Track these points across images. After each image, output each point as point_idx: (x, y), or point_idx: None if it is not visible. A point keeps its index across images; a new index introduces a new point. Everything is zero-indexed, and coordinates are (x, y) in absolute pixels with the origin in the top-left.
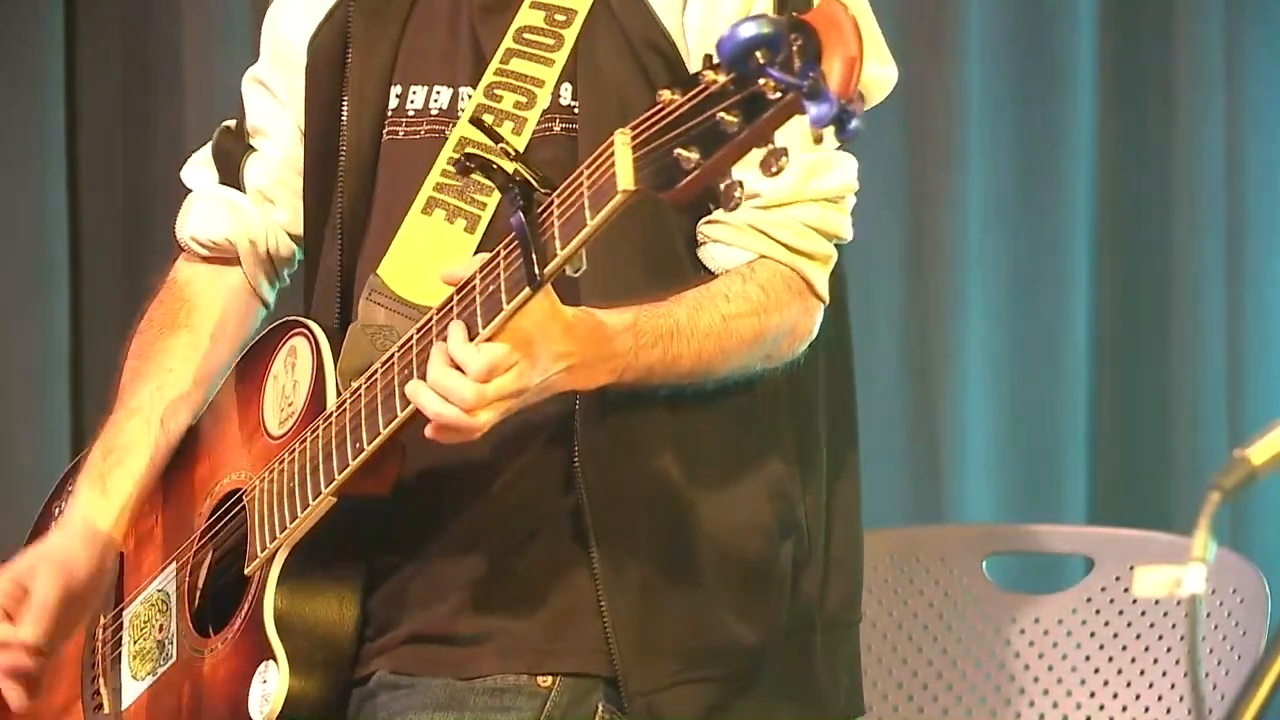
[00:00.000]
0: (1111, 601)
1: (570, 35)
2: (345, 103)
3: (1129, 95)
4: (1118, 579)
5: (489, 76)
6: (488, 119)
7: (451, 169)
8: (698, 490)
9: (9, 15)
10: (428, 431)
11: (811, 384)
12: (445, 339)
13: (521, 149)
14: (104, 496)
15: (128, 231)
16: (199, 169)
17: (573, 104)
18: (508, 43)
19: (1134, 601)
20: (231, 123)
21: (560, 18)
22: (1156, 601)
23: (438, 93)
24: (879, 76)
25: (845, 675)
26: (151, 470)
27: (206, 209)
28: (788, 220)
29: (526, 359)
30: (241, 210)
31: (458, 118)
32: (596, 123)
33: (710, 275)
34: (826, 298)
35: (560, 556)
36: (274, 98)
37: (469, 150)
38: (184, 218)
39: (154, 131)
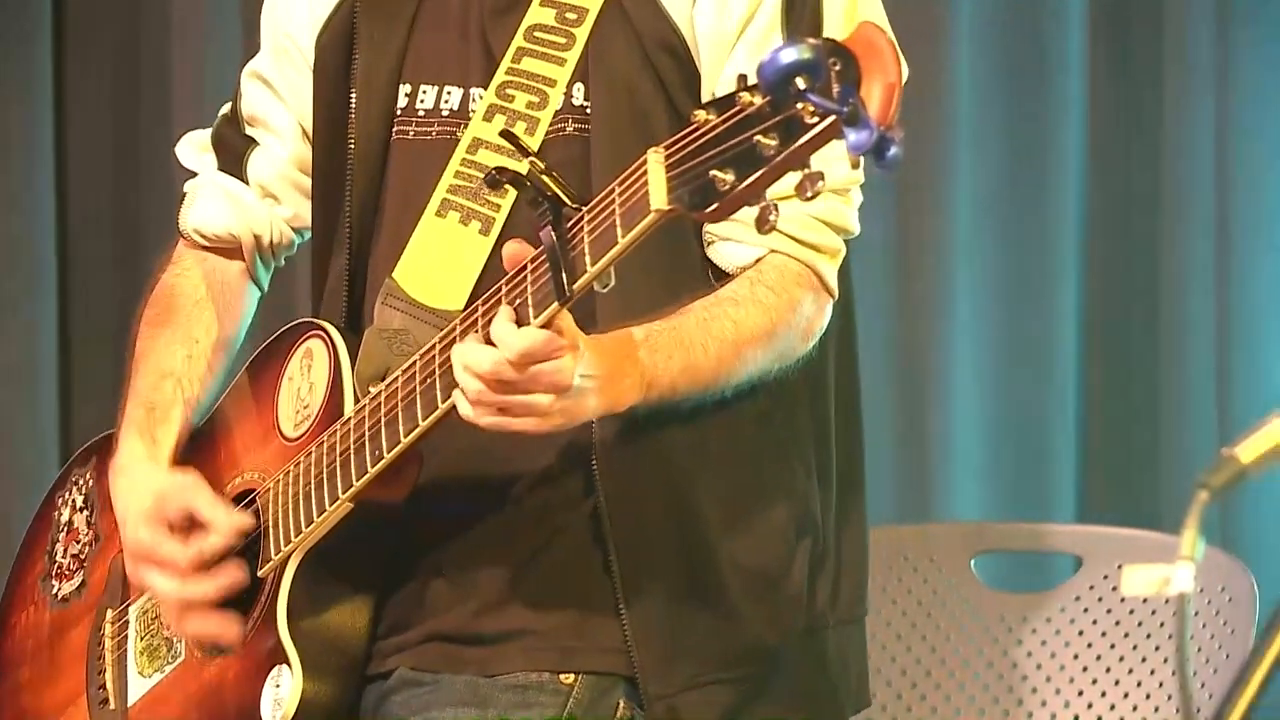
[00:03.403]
0: (1100, 600)
1: (582, 34)
2: (353, 101)
3: (1118, 93)
4: (1106, 578)
5: (500, 76)
6: (500, 119)
7: (465, 170)
8: (715, 492)
9: None
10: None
11: (825, 382)
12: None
13: (535, 149)
14: (155, 445)
15: (116, 229)
16: (199, 153)
17: (585, 104)
18: (519, 41)
19: (1122, 600)
20: (228, 108)
21: (571, 16)
22: (1145, 600)
23: (449, 93)
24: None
25: (854, 668)
26: (184, 435)
27: (211, 201)
28: (796, 214)
29: (579, 350)
30: (245, 203)
31: (469, 118)
32: (610, 123)
33: (724, 275)
34: (837, 292)
35: (579, 559)
36: (275, 94)
37: (499, 165)
38: (188, 208)
39: (142, 129)
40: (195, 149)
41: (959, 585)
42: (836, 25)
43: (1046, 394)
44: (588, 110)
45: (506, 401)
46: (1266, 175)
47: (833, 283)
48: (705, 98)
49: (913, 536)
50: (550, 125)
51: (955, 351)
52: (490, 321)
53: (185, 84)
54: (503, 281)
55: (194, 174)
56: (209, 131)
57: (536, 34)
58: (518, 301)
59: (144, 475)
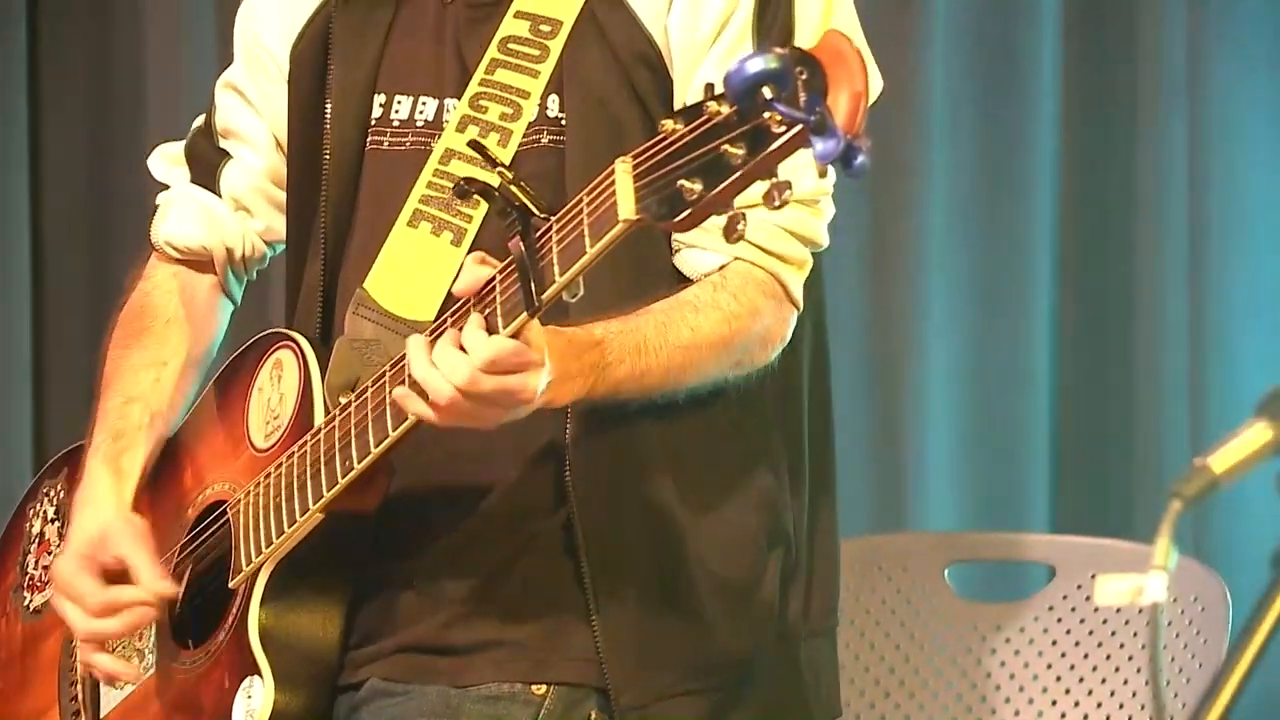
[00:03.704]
0: (1073, 610)
1: (555, 46)
2: (328, 111)
3: (1092, 101)
4: (1079, 587)
5: (474, 87)
6: (473, 130)
7: (438, 181)
8: (688, 502)
9: None
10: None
11: (799, 392)
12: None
13: (508, 161)
14: (120, 476)
15: (91, 238)
16: (170, 165)
17: (560, 116)
18: (492, 53)
19: (1096, 610)
20: (201, 120)
21: (545, 28)
22: (1118, 610)
23: (423, 104)
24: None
25: (826, 678)
26: (151, 458)
27: (183, 214)
28: (763, 223)
29: (543, 366)
30: (217, 217)
31: (443, 129)
32: (584, 135)
33: (690, 283)
34: (801, 303)
35: (552, 569)
36: (249, 105)
37: (468, 176)
38: (160, 220)
39: (117, 137)
40: (168, 161)
41: (933, 595)
42: (808, 34)
43: (1020, 404)
44: (562, 122)
45: (470, 409)
46: (1240, 179)
47: (797, 293)
48: (677, 105)
49: (886, 546)
50: (524, 136)
51: (929, 361)
52: (460, 330)
53: (160, 91)
54: (471, 292)
55: (167, 186)
56: (182, 144)
57: (510, 45)
58: (487, 311)
59: (102, 511)
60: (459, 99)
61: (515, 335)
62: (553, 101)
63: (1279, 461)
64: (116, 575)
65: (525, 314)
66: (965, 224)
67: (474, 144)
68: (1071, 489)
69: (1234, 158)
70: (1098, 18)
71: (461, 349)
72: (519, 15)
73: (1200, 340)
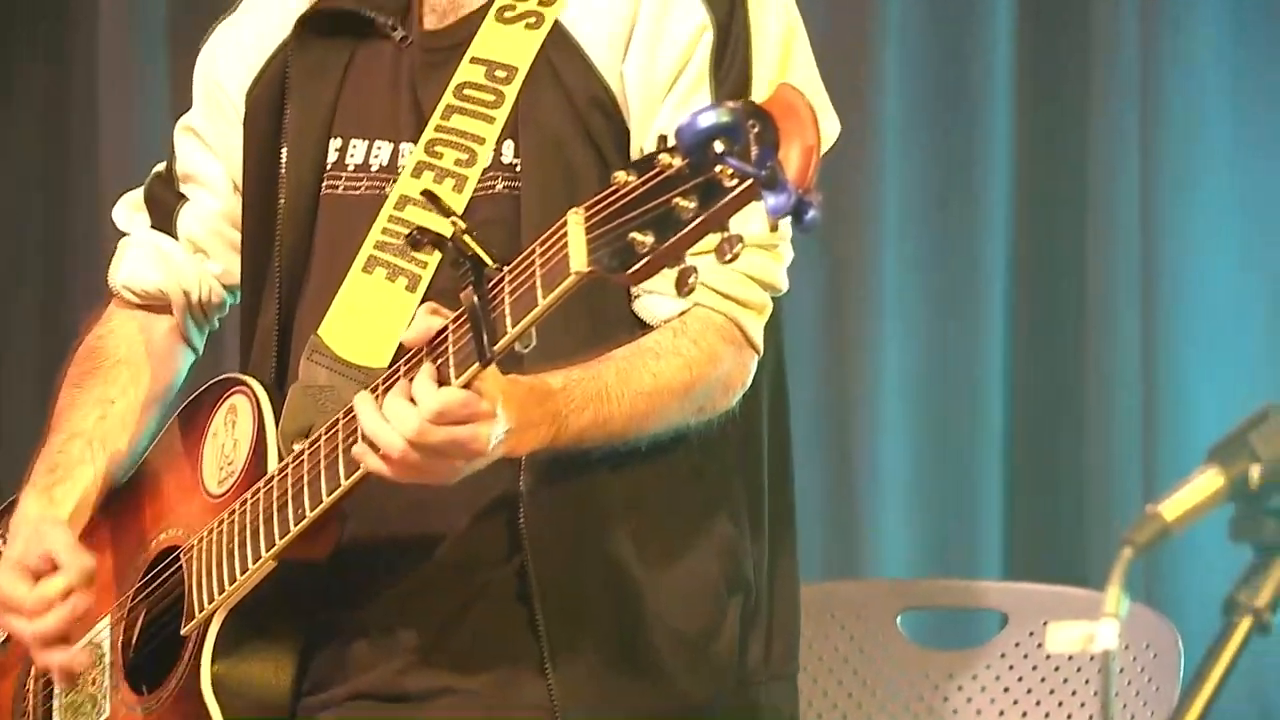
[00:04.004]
0: (1026, 657)
1: (511, 92)
2: (284, 155)
3: (1043, 133)
4: (1032, 634)
5: (429, 133)
6: (428, 176)
7: (392, 227)
8: (646, 550)
9: None
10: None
11: (759, 438)
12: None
13: (463, 207)
14: (51, 505)
15: (44, 285)
16: (131, 212)
17: (515, 162)
18: (448, 99)
19: (1048, 657)
20: (162, 167)
21: (501, 74)
22: (1070, 657)
23: (378, 148)
24: (823, 131)
25: None
26: (93, 492)
27: (140, 257)
28: (722, 268)
29: (495, 418)
30: (174, 260)
31: (398, 174)
32: (539, 181)
33: (649, 329)
34: (761, 348)
35: (505, 618)
36: (207, 147)
37: (421, 226)
38: (117, 265)
39: (70, 189)
40: (129, 209)
41: (885, 642)
42: (765, 79)
43: (973, 451)
44: (517, 168)
45: (422, 462)
46: (1190, 224)
47: (757, 338)
48: (634, 152)
49: (839, 592)
50: (479, 183)
51: (882, 408)
52: (411, 381)
53: (112, 140)
54: (422, 342)
55: (124, 234)
56: (141, 190)
57: (466, 91)
58: (439, 361)
59: (26, 527)
60: (414, 144)
61: (467, 385)
62: (508, 147)
63: (1231, 508)
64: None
65: (477, 365)
66: (918, 272)
67: (427, 193)
68: (1024, 536)
69: (1185, 201)
70: (1049, 53)
71: (412, 400)
72: (475, 61)
73: (1153, 389)
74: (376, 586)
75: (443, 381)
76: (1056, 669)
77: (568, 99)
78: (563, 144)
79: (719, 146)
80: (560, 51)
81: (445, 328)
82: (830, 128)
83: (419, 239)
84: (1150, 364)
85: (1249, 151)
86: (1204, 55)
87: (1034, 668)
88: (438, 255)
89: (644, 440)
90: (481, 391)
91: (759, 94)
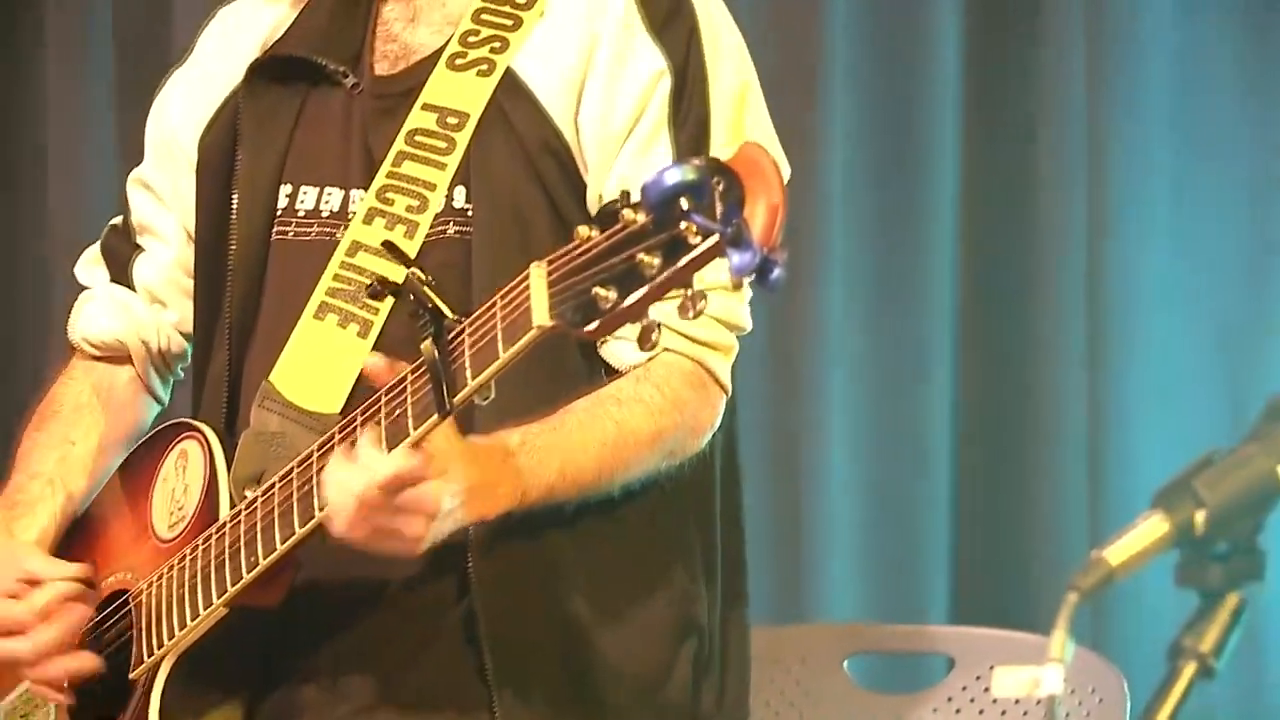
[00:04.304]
0: (972, 701)
1: (462, 138)
2: (235, 201)
3: (991, 189)
4: (978, 678)
5: (380, 179)
6: (380, 223)
7: (344, 274)
8: (595, 594)
9: None
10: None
11: (712, 482)
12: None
13: (414, 253)
14: (12, 538)
15: None
16: (91, 268)
17: (466, 207)
18: (399, 145)
19: (994, 701)
20: (118, 220)
21: (452, 120)
22: (1016, 701)
23: (329, 194)
24: None
25: None
26: (51, 528)
27: (97, 310)
28: None
29: (440, 480)
30: (132, 310)
31: (349, 220)
32: (490, 226)
33: (616, 374)
34: (729, 388)
35: (454, 662)
36: (158, 199)
37: (381, 277)
38: (75, 318)
39: (19, 246)
40: (89, 265)
41: (832, 686)
42: (723, 127)
43: (919, 496)
44: (469, 212)
45: (377, 523)
46: (1136, 270)
47: (725, 379)
48: (591, 200)
49: (786, 637)
50: (430, 228)
51: (829, 453)
52: (370, 431)
53: (60, 193)
54: (382, 391)
55: (82, 288)
56: (98, 244)
57: (417, 138)
58: (397, 413)
59: None
60: (365, 190)
61: (420, 442)
62: (459, 193)
63: (1176, 553)
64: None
65: (436, 416)
66: (865, 313)
67: (387, 244)
68: (970, 580)
69: (1131, 247)
70: (996, 106)
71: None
72: (426, 108)
73: (1098, 434)
74: (326, 632)
75: (400, 435)
76: (1003, 713)
77: (520, 145)
78: (514, 189)
79: (684, 203)
80: (512, 98)
81: (404, 377)
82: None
83: (379, 290)
84: (1096, 409)
85: (1192, 197)
86: (1149, 131)
87: (980, 712)
88: (389, 301)
89: (616, 490)
90: (434, 453)
91: (718, 139)
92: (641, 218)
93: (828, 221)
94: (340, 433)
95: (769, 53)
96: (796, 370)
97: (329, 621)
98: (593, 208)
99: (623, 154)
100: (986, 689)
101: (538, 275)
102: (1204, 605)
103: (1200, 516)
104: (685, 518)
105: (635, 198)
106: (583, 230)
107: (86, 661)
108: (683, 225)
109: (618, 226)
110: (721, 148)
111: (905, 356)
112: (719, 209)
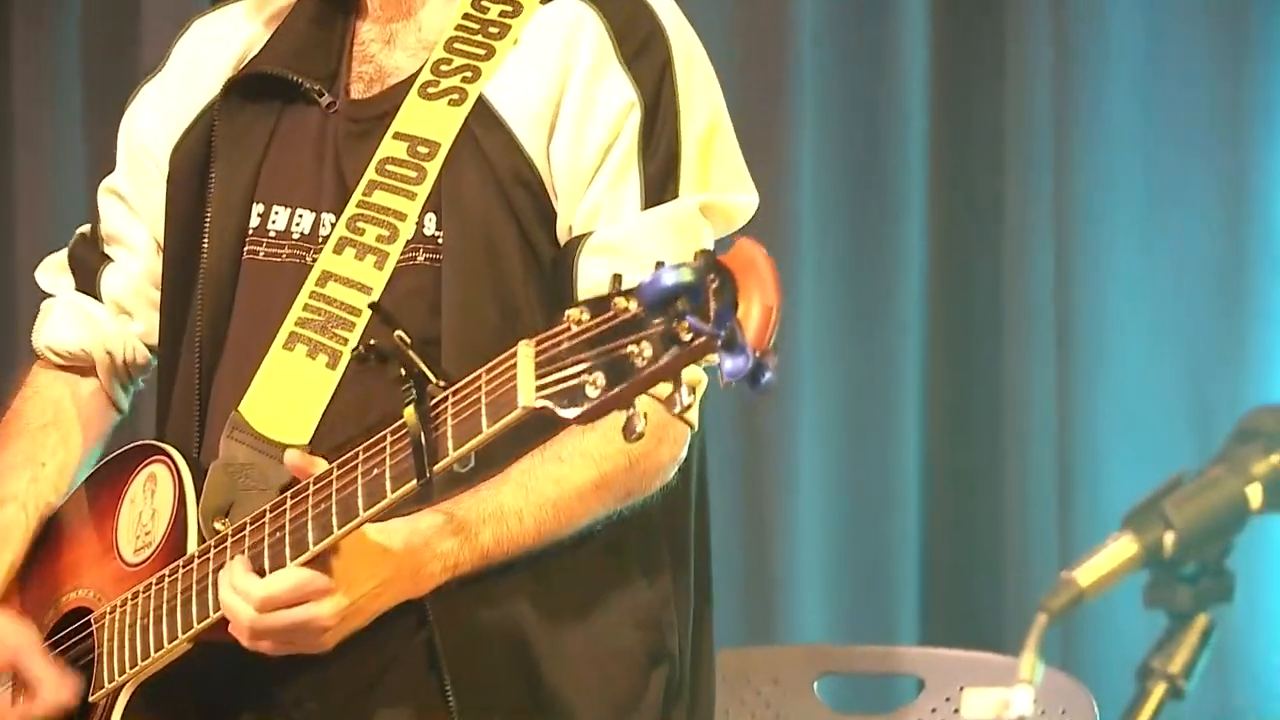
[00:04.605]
0: None
1: (433, 168)
2: (207, 217)
3: (957, 217)
4: (948, 700)
5: (351, 209)
6: (350, 252)
7: (314, 303)
8: (556, 621)
9: None
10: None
11: (685, 510)
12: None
13: (384, 283)
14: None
15: None
16: (56, 275)
17: (436, 234)
18: (370, 174)
19: None
20: (86, 228)
21: (423, 149)
22: None
23: (300, 216)
24: (741, 204)
25: None
26: (21, 556)
27: (63, 319)
28: None
29: (332, 593)
30: (98, 321)
31: (319, 243)
32: (461, 253)
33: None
34: (695, 423)
35: (416, 689)
36: (130, 209)
37: (368, 343)
38: (40, 326)
39: None
40: (54, 271)
41: (803, 707)
42: (692, 161)
43: (889, 517)
44: (439, 240)
45: (272, 638)
46: (1104, 294)
47: (691, 415)
48: (561, 231)
49: (757, 658)
50: (401, 255)
51: (798, 473)
52: (344, 489)
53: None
54: (360, 449)
55: (48, 295)
56: (65, 252)
57: (388, 167)
58: (375, 472)
59: None
60: (336, 214)
61: (391, 505)
62: (430, 220)
63: (1145, 574)
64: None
65: (415, 483)
66: (837, 343)
67: (374, 306)
68: (940, 601)
69: (1096, 279)
70: (963, 143)
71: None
72: (398, 136)
73: (1067, 456)
74: (286, 664)
75: (377, 495)
76: None
77: (491, 173)
78: (485, 218)
79: (680, 305)
80: (484, 126)
81: (384, 437)
82: (748, 201)
83: (366, 355)
84: (1065, 431)
85: (1160, 216)
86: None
87: None
88: (357, 332)
89: (568, 539)
90: (328, 568)
91: (687, 173)
92: (634, 307)
93: (796, 257)
94: (315, 484)
95: (735, 80)
96: (767, 401)
97: (289, 654)
98: (563, 238)
99: (593, 186)
100: (956, 710)
101: (525, 354)
102: (1173, 626)
103: (1169, 538)
104: (656, 545)
105: (626, 284)
106: (573, 313)
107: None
108: (676, 323)
109: (609, 314)
110: (690, 182)
111: (874, 380)
112: (713, 309)
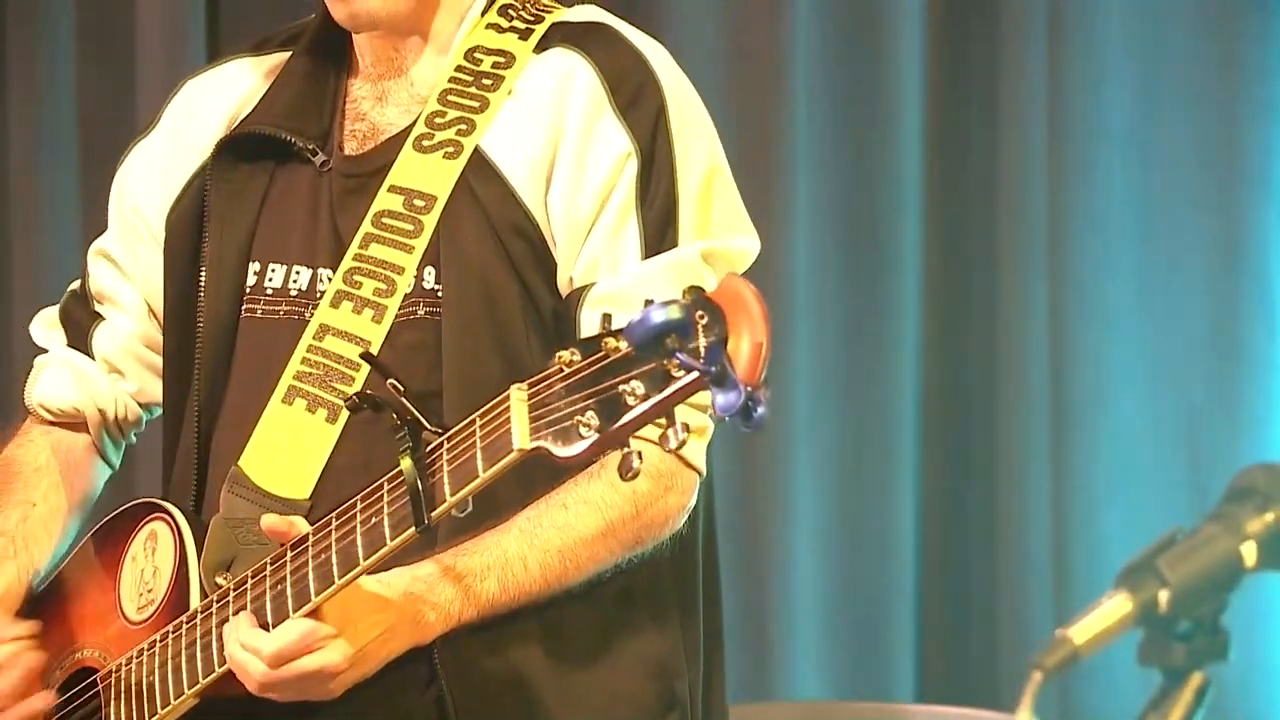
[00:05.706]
0: None
1: (430, 221)
2: (203, 278)
3: (952, 277)
4: None
5: (348, 262)
6: (347, 306)
7: (312, 357)
8: (565, 670)
9: None
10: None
11: (694, 558)
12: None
13: (383, 336)
14: None
15: None
16: (48, 330)
17: (436, 288)
18: (366, 228)
19: None
20: (77, 285)
21: (419, 202)
22: None
23: (297, 273)
24: (743, 248)
25: None
26: (14, 587)
27: (55, 377)
28: None
29: (337, 639)
30: (90, 378)
31: (317, 299)
32: (461, 306)
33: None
34: (703, 470)
35: None
36: (121, 272)
37: (361, 392)
38: (33, 383)
39: None
40: (45, 326)
41: None
42: (690, 208)
43: (885, 573)
44: (439, 293)
45: (282, 689)
46: (1099, 346)
47: (698, 461)
48: (562, 282)
49: (752, 716)
50: (400, 308)
51: (795, 530)
52: (344, 538)
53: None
54: (359, 498)
55: (41, 350)
56: (57, 308)
57: (384, 220)
58: (373, 521)
59: None
60: (333, 270)
61: (391, 553)
62: (429, 273)
63: (1140, 632)
64: None
65: (414, 530)
66: (831, 391)
67: (366, 355)
68: (936, 659)
69: (1092, 340)
70: (957, 184)
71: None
72: (393, 190)
73: (1062, 512)
74: (295, 715)
75: (377, 543)
76: None
77: (489, 225)
78: (484, 270)
79: (670, 344)
80: (481, 178)
81: (381, 485)
82: (750, 245)
83: (358, 404)
84: (1060, 487)
85: (1154, 278)
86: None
87: None
88: (357, 385)
89: (578, 587)
90: (324, 615)
91: (686, 220)
92: (624, 346)
93: (791, 299)
94: (316, 535)
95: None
96: (762, 451)
97: (298, 705)
98: (563, 289)
99: (592, 236)
100: None
101: (518, 398)
102: (1167, 684)
103: (1164, 596)
104: (665, 592)
105: (616, 324)
106: (564, 355)
107: (40, 702)
108: (666, 361)
109: (599, 354)
110: (689, 229)
111: (870, 439)
112: (703, 345)
